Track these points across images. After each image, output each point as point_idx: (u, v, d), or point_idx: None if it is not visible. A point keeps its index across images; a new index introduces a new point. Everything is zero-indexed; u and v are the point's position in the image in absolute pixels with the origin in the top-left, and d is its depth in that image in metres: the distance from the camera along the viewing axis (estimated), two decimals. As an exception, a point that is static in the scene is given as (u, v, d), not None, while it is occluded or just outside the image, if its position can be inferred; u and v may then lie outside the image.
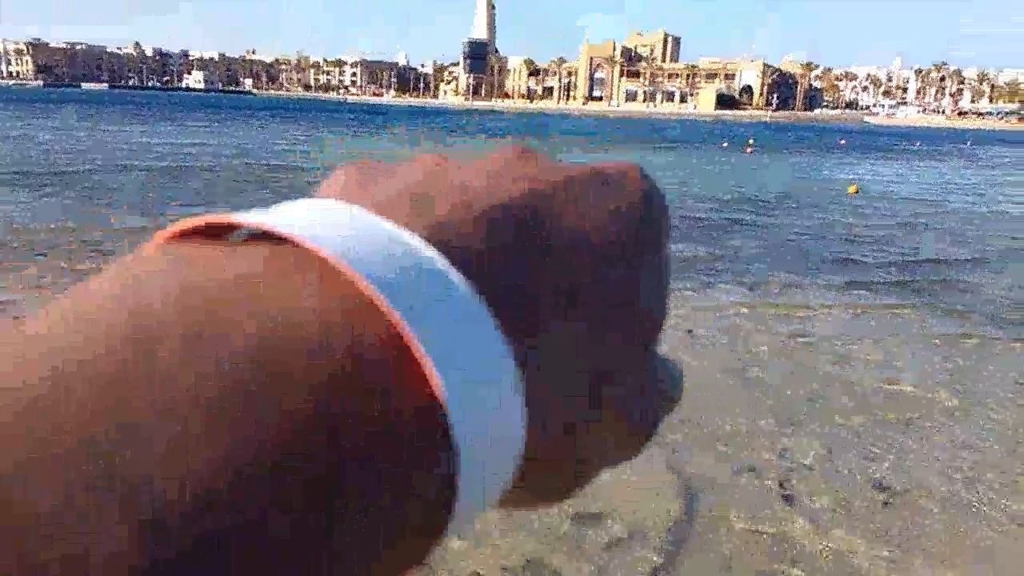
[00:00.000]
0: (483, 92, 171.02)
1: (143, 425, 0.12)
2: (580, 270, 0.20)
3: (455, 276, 0.16)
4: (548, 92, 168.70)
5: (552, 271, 0.19)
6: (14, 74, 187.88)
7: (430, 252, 0.17)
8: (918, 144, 45.96)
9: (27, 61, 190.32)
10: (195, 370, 0.13)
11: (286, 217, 0.17)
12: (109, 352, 0.13)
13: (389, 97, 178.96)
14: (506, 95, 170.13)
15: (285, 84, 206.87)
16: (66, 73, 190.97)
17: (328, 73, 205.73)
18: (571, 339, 0.19)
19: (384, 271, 0.15)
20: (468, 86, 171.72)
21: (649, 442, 0.25)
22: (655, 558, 3.07)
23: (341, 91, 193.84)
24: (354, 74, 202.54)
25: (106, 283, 0.15)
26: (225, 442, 0.13)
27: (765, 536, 3.26)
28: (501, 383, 0.16)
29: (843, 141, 45.68)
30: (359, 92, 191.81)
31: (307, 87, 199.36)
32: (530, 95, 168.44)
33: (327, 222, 0.16)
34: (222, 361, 0.13)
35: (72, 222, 9.29)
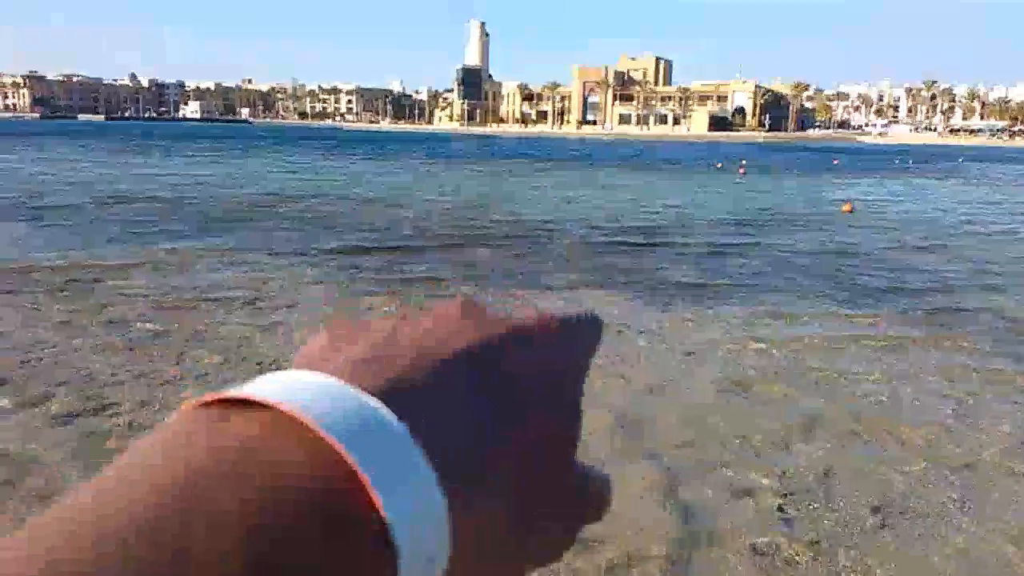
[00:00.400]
0: (478, 117, 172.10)
1: None
2: (516, 420, 0.25)
3: (399, 427, 0.21)
4: (542, 116, 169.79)
5: (490, 421, 0.24)
6: (11, 107, 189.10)
7: (382, 408, 0.21)
8: (910, 163, 46.40)
9: (24, 94, 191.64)
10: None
11: (273, 388, 0.21)
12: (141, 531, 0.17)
13: (385, 124, 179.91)
14: (501, 120, 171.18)
15: (281, 112, 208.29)
16: (63, 105, 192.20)
17: (324, 101, 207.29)
18: (503, 481, 0.23)
19: (347, 428, 0.20)
20: (463, 112, 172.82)
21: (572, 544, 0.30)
22: None
23: (337, 118, 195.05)
24: (349, 101, 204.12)
25: (149, 453, 0.20)
26: None
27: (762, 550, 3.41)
28: (434, 519, 0.20)
29: (836, 161, 46.07)
30: (355, 119, 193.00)
31: (303, 115, 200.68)
32: (524, 119, 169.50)
33: (301, 389, 0.21)
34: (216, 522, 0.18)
35: (59, 257, 9.47)
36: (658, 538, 3.46)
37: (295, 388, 0.21)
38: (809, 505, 3.80)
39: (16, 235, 11.02)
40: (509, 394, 0.25)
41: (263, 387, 0.21)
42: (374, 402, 0.21)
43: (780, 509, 3.76)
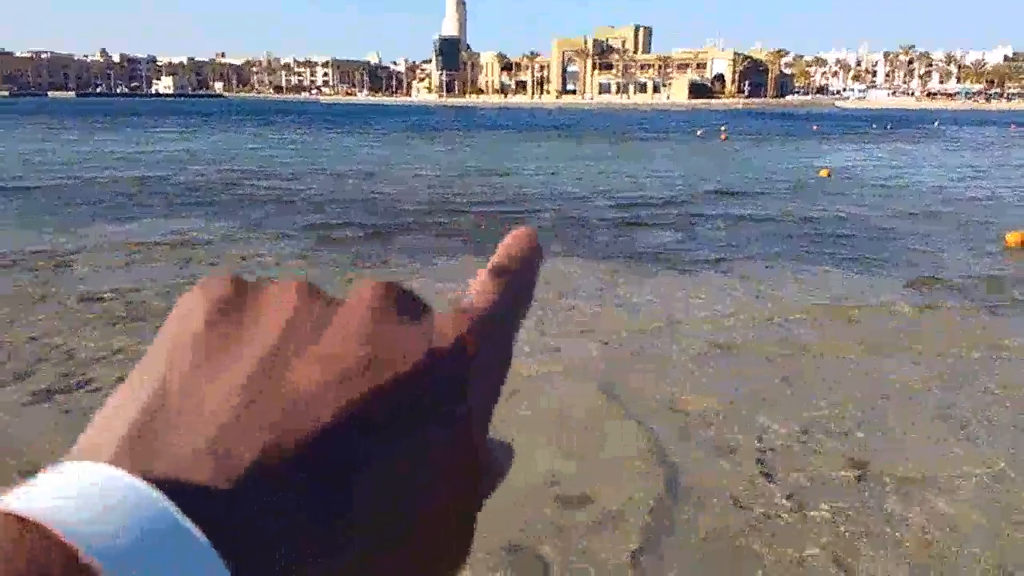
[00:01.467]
0: (456, 89, 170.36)
1: None
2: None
3: (195, 538, 0.17)
4: (521, 86, 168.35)
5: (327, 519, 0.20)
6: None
7: (169, 511, 0.18)
8: (888, 127, 46.64)
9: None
10: None
11: (27, 497, 0.17)
12: None
13: (362, 96, 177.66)
14: (480, 91, 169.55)
15: (256, 86, 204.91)
16: (32, 82, 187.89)
17: (299, 74, 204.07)
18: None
19: (101, 532, 0.17)
20: (441, 83, 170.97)
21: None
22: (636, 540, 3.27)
23: (313, 91, 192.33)
24: (326, 74, 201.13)
25: None
26: None
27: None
28: None
29: (816, 127, 46.22)
30: (331, 92, 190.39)
31: (278, 88, 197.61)
32: (503, 90, 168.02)
33: (58, 492, 0.18)
34: None
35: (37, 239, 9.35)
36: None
37: (62, 490, 0.18)
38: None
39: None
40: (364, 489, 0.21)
41: (27, 492, 0.18)
42: (161, 505, 0.18)
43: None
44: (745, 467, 3.81)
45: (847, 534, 3.24)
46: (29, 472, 0.18)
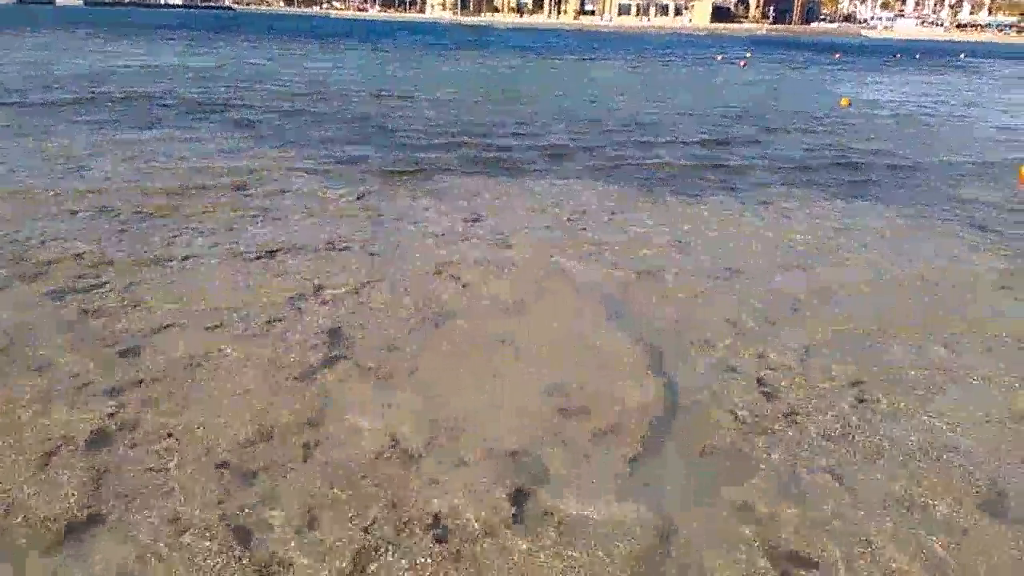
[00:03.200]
0: (471, 6, 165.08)
1: None
2: None
3: None
4: (538, 5, 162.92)
5: None
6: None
7: None
8: (916, 56, 45.19)
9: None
10: None
11: None
12: None
13: (374, 11, 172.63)
14: (495, 9, 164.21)
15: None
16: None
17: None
18: None
19: None
20: (456, 0, 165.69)
21: None
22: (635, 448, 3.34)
23: (324, 5, 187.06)
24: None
25: None
26: None
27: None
28: None
29: (837, 55, 44.84)
30: (343, 6, 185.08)
31: (289, 1, 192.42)
32: (520, 8, 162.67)
33: None
34: None
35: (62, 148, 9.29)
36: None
37: None
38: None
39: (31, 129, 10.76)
40: None
41: None
42: None
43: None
44: (745, 385, 3.86)
45: (843, 451, 3.30)
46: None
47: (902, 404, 3.73)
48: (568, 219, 6.82)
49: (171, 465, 3.02)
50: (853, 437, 3.42)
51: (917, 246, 6.41)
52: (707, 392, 3.78)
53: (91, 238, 5.69)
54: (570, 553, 2.62)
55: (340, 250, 5.69)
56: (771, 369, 4.04)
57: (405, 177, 8.28)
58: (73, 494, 2.82)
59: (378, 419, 3.41)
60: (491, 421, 3.42)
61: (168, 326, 4.26)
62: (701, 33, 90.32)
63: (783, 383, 3.89)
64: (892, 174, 9.55)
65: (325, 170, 8.42)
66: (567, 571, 2.54)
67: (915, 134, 13.24)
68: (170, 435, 3.22)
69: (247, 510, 2.78)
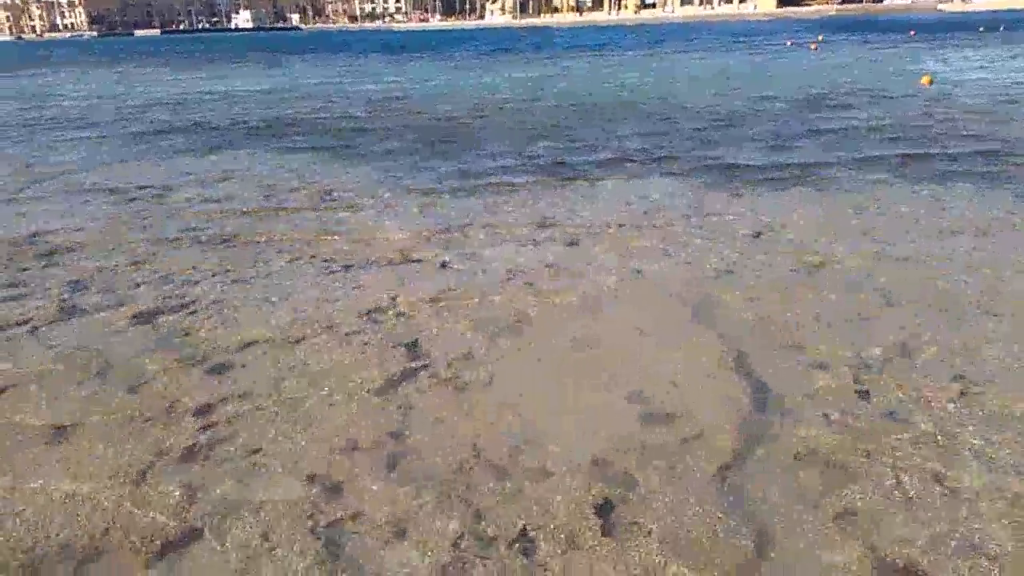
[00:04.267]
0: (530, 8, 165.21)
1: None
2: None
3: None
4: (598, 3, 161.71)
5: None
6: (69, 26, 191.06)
7: None
8: (1001, 28, 42.84)
9: (80, 12, 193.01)
10: None
11: None
12: None
13: (435, 21, 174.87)
14: (555, 9, 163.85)
15: (331, 16, 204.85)
16: (118, 21, 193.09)
17: (373, 1, 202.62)
18: None
19: None
20: (515, 3, 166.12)
21: None
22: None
23: (387, 19, 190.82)
24: (398, 0, 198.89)
25: None
26: None
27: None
28: None
29: (912, 32, 42.91)
30: (404, 19, 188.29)
31: (353, 18, 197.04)
32: (579, 7, 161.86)
33: None
34: None
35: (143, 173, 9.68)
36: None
37: None
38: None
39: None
40: None
41: None
42: None
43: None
44: (839, 383, 3.69)
45: (945, 453, 3.11)
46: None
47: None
48: (651, 220, 6.69)
49: (260, 480, 3.08)
50: (954, 436, 3.22)
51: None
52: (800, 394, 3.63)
53: (175, 257, 5.91)
54: (659, 562, 2.54)
55: (412, 262, 5.73)
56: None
57: (479, 186, 8.30)
58: (169, 510, 2.90)
59: (456, 430, 3.40)
60: (571, 430, 3.37)
61: (255, 342, 4.37)
62: (767, 19, 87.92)
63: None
64: (985, 159, 9.04)
65: (397, 184, 8.52)
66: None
67: (1007, 115, 12.49)
68: (257, 451, 3.29)
69: (334, 523, 2.80)
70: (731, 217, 6.63)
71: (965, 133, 10.46)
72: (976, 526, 2.67)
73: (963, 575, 2.45)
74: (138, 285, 5.35)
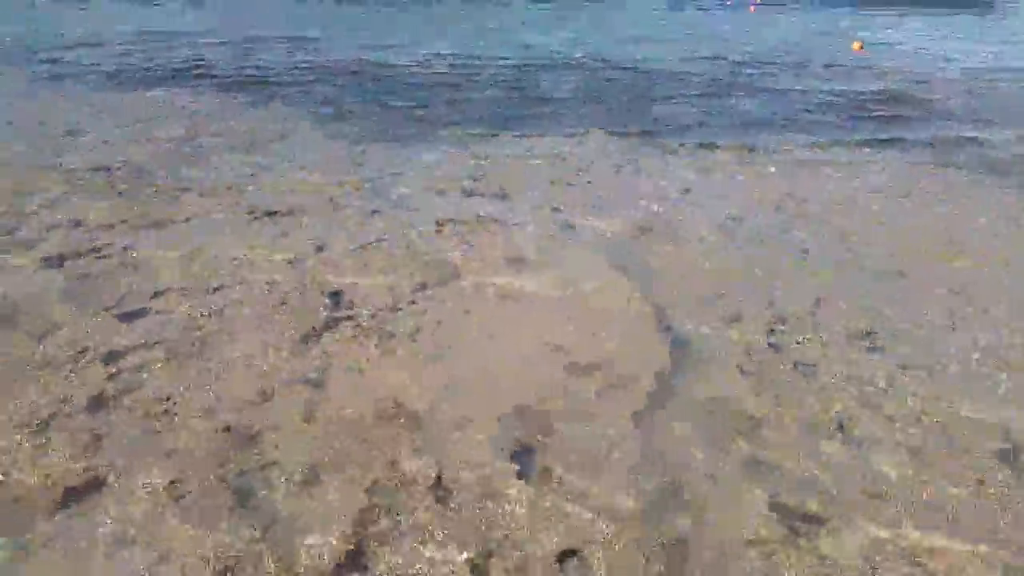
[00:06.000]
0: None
1: None
2: None
3: None
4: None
5: None
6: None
7: None
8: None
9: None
10: None
11: None
12: None
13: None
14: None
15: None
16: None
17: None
18: None
19: None
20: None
21: None
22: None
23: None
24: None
25: None
26: None
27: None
28: None
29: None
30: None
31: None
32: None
33: None
34: None
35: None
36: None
37: None
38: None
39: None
40: None
41: None
42: None
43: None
44: (753, 336, 3.79)
45: (853, 403, 3.24)
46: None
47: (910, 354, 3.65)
48: (580, 176, 6.69)
49: (170, 428, 2.99)
50: (863, 387, 3.36)
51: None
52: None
53: (88, 201, 5.63)
54: (571, 509, 2.58)
55: (340, 208, 5.60)
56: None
57: (408, 133, 8.14)
58: (73, 457, 2.80)
59: (380, 380, 3.37)
60: (494, 380, 3.38)
61: (169, 289, 4.21)
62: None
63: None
64: (906, 122, 9.32)
65: (323, 127, 8.28)
66: (569, 528, 2.51)
67: (938, 78, 12.87)
68: (168, 399, 3.20)
69: (248, 472, 2.75)
70: (659, 173, 6.69)
71: (887, 94, 10.75)
72: (874, 473, 2.80)
73: (861, 521, 2.57)
74: (47, 228, 5.08)
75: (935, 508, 2.62)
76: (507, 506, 2.60)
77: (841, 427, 3.07)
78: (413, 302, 4.11)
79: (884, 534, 2.50)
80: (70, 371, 3.37)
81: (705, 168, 6.89)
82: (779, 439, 2.99)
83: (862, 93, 10.99)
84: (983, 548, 2.44)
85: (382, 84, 11.30)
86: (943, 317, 4.05)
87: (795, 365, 3.54)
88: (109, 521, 2.51)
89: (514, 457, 2.85)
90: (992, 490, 2.71)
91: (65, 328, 3.75)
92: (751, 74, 12.83)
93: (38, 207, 5.47)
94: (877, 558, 2.40)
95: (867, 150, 7.65)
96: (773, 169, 6.88)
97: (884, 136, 8.26)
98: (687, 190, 6.20)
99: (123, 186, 6.01)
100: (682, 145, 7.71)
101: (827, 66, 13.78)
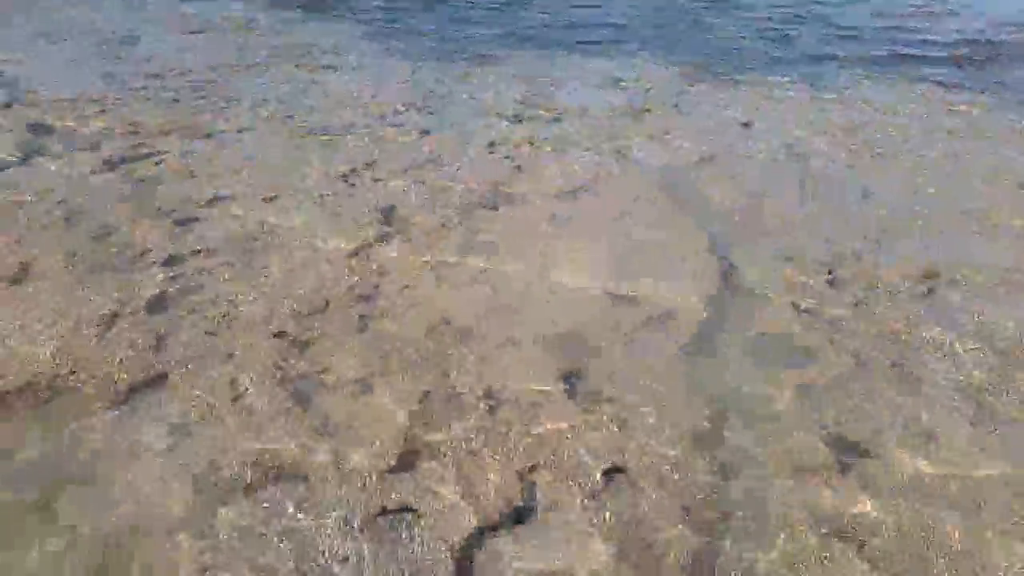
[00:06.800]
0: None
1: None
2: None
3: None
4: None
5: None
6: None
7: None
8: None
9: None
10: None
11: None
12: None
13: None
14: None
15: None
16: None
17: None
18: None
19: None
20: None
21: None
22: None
23: None
24: None
25: None
26: None
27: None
28: None
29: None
30: None
31: None
32: None
33: None
34: None
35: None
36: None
37: None
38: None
39: None
40: None
41: None
42: None
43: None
44: (809, 274, 3.72)
45: (909, 343, 3.18)
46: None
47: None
48: (636, 103, 6.52)
49: (228, 332, 3.07)
50: (923, 326, 3.28)
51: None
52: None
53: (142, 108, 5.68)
54: (617, 430, 2.61)
55: (392, 126, 5.56)
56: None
57: (463, 53, 7.98)
58: (136, 355, 2.90)
59: (430, 297, 3.40)
60: (542, 304, 3.38)
61: (225, 198, 4.27)
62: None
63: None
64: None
65: (377, 43, 8.16)
66: (615, 448, 2.53)
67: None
68: (229, 301, 3.27)
69: (304, 376, 2.82)
70: (721, 105, 6.48)
71: (970, 40, 10.17)
72: (927, 414, 2.77)
73: (907, 457, 2.55)
74: (103, 132, 5.15)
75: (986, 448, 2.58)
76: (553, 423, 2.63)
77: (896, 366, 3.02)
78: (462, 223, 4.10)
79: (930, 469, 2.48)
80: (131, 273, 3.46)
81: (767, 101, 6.65)
82: (829, 376, 2.96)
83: (947, 36, 10.42)
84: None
85: (440, 4, 11.05)
86: (1008, 260, 3.91)
87: (855, 304, 3.47)
88: (171, 416, 2.61)
89: (563, 379, 2.87)
90: (1049, 438, 2.66)
91: (124, 230, 3.83)
92: (826, 10, 12.23)
93: (96, 113, 5.53)
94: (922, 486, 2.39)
95: (942, 91, 7.29)
96: (839, 107, 6.61)
97: (963, 80, 7.86)
98: (747, 124, 6.00)
99: (175, 95, 6.04)
100: (743, 77, 7.44)
101: (913, 6, 13.07)
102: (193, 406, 2.65)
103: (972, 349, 3.15)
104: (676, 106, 6.39)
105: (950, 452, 2.57)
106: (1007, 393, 2.88)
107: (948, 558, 2.18)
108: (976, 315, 3.41)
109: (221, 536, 2.16)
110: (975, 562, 2.17)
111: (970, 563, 2.16)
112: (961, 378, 2.96)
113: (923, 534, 2.25)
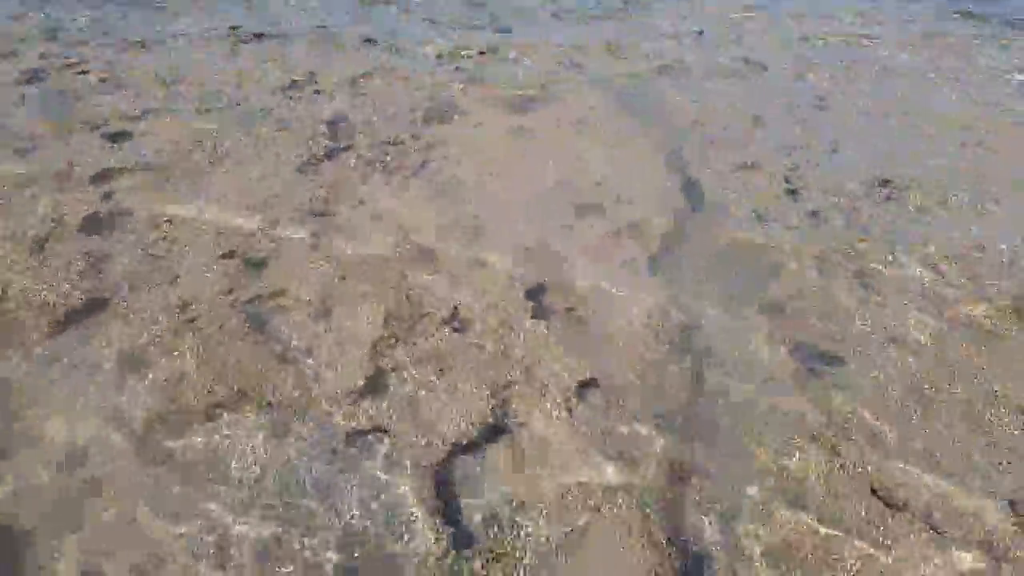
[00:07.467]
0: None
1: None
2: None
3: None
4: None
5: None
6: None
7: None
8: None
9: None
10: None
11: None
12: None
13: None
14: None
15: None
16: None
17: None
18: None
19: None
20: None
21: None
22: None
23: None
24: None
25: None
26: None
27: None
28: None
29: None
30: None
31: None
32: None
33: None
34: None
35: None
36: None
37: None
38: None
39: None
40: None
41: None
42: None
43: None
44: (771, 183, 3.69)
45: (864, 249, 3.20)
46: None
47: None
48: (590, 10, 6.29)
49: (171, 254, 2.89)
50: (878, 235, 3.31)
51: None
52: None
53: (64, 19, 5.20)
54: (587, 343, 2.57)
55: (332, 36, 5.24)
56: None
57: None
58: (73, 279, 2.70)
59: (385, 212, 3.25)
60: (505, 217, 3.27)
61: (156, 110, 3.97)
62: None
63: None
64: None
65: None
66: (587, 362, 2.50)
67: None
68: (168, 222, 3.07)
69: (258, 300, 2.68)
70: (672, 16, 6.31)
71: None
72: (893, 320, 2.80)
73: (878, 363, 2.59)
74: (22, 40, 4.70)
75: (945, 360, 2.64)
76: (523, 339, 2.57)
77: (860, 274, 3.04)
78: (414, 136, 3.92)
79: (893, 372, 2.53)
80: (59, 190, 3.20)
81: (721, 11, 6.50)
82: (796, 283, 2.96)
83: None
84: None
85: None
86: (956, 161, 3.95)
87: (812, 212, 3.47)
88: (112, 344, 2.45)
89: (529, 295, 2.80)
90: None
91: (49, 146, 3.53)
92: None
93: (14, 17, 5.04)
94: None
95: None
96: (791, 22, 6.51)
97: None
98: (701, 32, 5.86)
99: None
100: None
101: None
102: (140, 331, 2.49)
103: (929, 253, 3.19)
104: (627, 13, 6.19)
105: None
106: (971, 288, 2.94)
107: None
108: (934, 215, 3.45)
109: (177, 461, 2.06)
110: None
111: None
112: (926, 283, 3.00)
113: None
